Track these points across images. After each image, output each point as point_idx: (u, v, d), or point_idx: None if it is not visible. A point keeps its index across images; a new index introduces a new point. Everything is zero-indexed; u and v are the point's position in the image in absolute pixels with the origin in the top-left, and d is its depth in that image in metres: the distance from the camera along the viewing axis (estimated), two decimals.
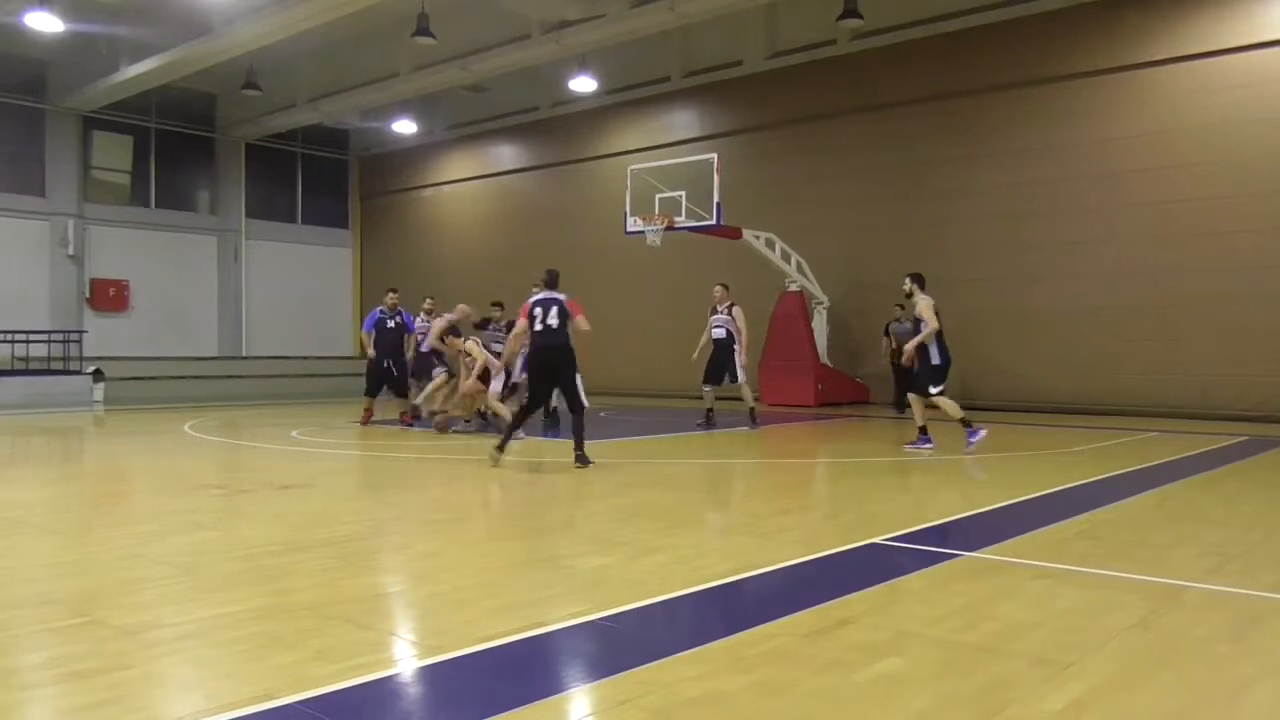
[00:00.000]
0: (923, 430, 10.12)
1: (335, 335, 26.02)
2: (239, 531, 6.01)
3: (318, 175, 27.02)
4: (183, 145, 24.26)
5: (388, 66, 20.59)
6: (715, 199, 15.47)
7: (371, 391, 13.58)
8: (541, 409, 11.69)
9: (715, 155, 15.96)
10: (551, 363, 8.73)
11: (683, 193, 15.85)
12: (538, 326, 8.71)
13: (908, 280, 10.10)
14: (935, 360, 9.84)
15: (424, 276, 24.77)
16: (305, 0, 16.10)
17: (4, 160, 21.73)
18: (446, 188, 25.89)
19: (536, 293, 9.06)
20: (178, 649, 3.58)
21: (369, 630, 3.82)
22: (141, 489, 8.29)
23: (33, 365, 19.71)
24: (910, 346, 10.00)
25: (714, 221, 15.60)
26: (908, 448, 10.09)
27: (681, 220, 15.78)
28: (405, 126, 24.66)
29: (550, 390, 8.87)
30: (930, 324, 9.72)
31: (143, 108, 22.59)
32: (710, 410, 13.18)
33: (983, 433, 9.88)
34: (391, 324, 13.56)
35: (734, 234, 16.39)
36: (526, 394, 9.29)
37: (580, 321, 8.74)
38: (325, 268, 26.86)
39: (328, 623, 3.85)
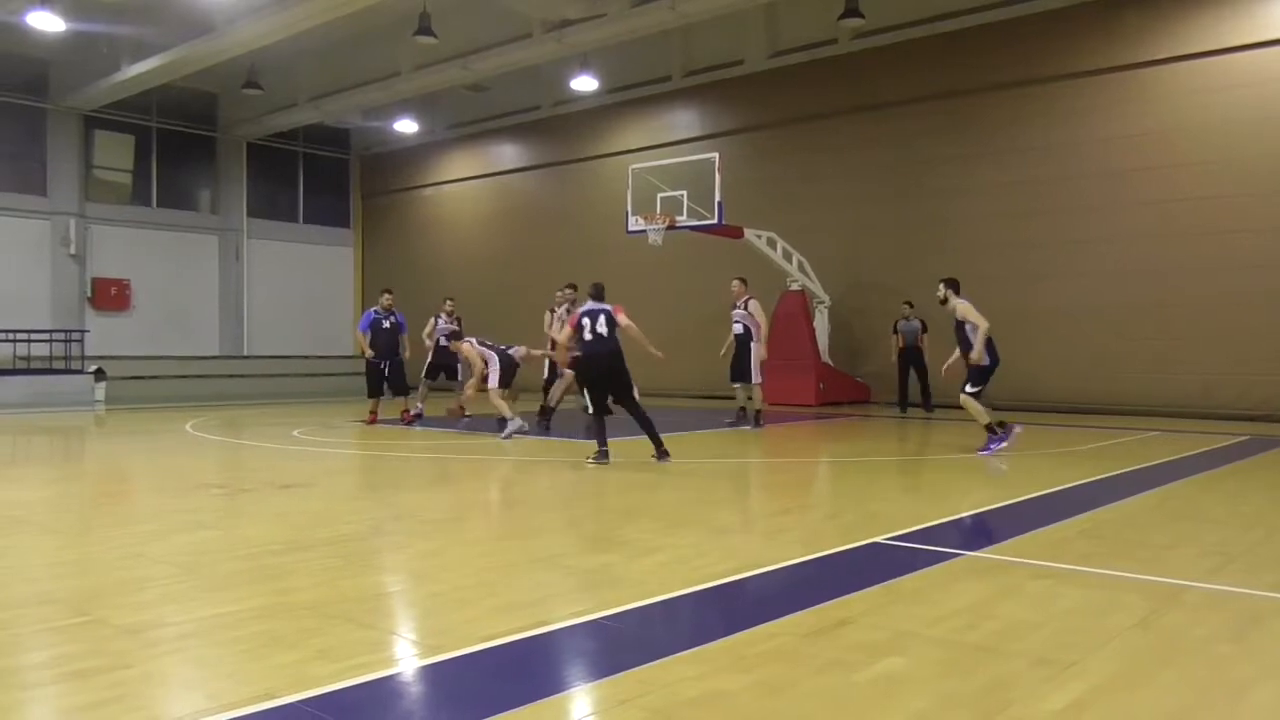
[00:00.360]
0: (991, 428, 9.81)
1: (336, 335, 26.01)
2: (240, 531, 6.02)
3: (319, 174, 27.02)
4: (184, 144, 24.27)
5: (389, 66, 20.59)
6: (716, 198, 15.47)
7: (374, 392, 13.63)
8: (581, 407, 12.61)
9: (716, 154, 15.95)
10: (604, 366, 9.22)
11: (684, 192, 15.85)
12: (587, 335, 9.20)
13: (941, 286, 9.84)
14: (984, 361, 9.60)
15: (425, 276, 24.78)
16: (306, 0, 16.10)
17: (6, 159, 21.74)
18: (447, 187, 25.89)
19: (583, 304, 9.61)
20: (179, 648, 3.59)
21: (370, 629, 3.83)
22: (143, 488, 8.29)
23: (34, 364, 19.72)
24: (975, 355, 9.57)
25: (715, 221, 15.60)
26: (980, 453, 9.61)
27: (683, 219, 15.78)
28: (406, 126, 24.65)
29: (607, 392, 9.31)
30: (982, 324, 9.49)
31: (144, 107, 22.60)
32: (743, 409, 13.16)
33: (1003, 445, 9.58)
34: (386, 324, 13.60)
35: (735, 233, 16.39)
36: (588, 399, 9.80)
37: (620, 318, 9.26)
38: (327, 267, 26.87)
39: (329, 622, 3.85)
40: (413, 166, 26.49)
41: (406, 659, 3.55)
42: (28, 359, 19.75)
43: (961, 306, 9.62)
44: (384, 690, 3.15)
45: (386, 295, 13.89)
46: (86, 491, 8.09)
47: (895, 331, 15.80)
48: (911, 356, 15.46)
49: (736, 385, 13.16)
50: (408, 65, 20.20)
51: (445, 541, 5.67)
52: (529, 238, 23.40)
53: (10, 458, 10.82)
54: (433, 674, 3.32)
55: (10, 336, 19.67)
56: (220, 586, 4.52)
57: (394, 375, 13.57)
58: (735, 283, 13.20)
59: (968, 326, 9.61)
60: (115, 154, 23.69)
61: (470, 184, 25.33)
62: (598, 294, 9.52)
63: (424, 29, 16.90)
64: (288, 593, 4.33)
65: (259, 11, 16.70)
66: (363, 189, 27.86)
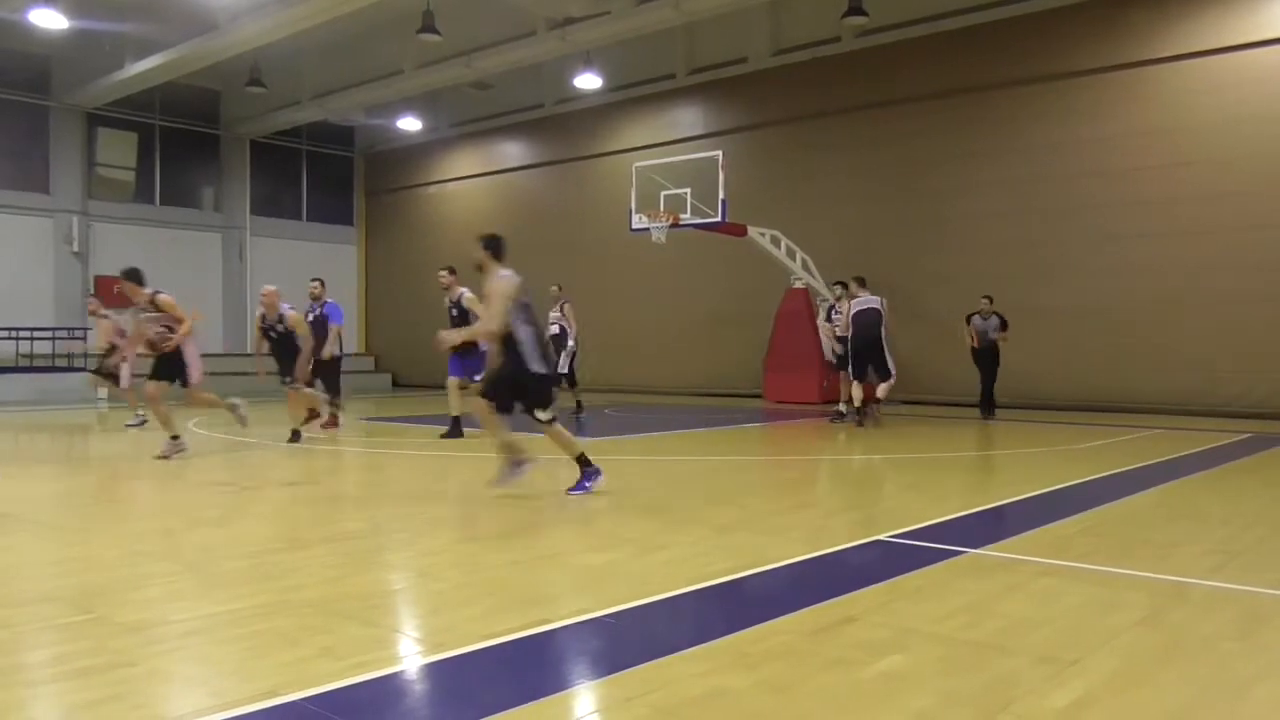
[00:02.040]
0: (583, 463, 6.97)
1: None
2: (243, 528, 6.03)
3: (322, 172, 27.03)
4: (187, 142, 24.28)
5: (393, 63, 20.60)
6: (720, 196, 15.47)
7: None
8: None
9: (720, 152, 15.96)
10: None
11: (688, 190, 15.85)
12: None
13: (479, 246, 6.83)
14: (535, 366, 6.66)
15: (429, 273, 24.75)
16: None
17: (8, 157, 21.75)
18: (451, 185, 25.90)
19: None
20: (182, 646, 3.59)
21: (374, 627, 3.83)
22: (146, 486, 8.29)
23: (37, 362, 19.75)
24: (457, 336, 7.67)
25: (719, 219, 15.60)
26: (571, 493, 6.91)
27: (687, 218, 15.78)
28: (410, 123, 24.66)
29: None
30: (491, 321, 6.66)
31: (147, 104, 22.62)
32: (860, 406, 12.87)
33: (599, 482, 6.99)
34: (310, 317, 12.35)
35: (739, 231, 16.38)
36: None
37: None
38: (330, 264, 26.82)
39: (333, 620, 3.86)
40: (416, 164, 26.50)
41: (410, 657, 3.55)
42: (30, 356, 19.78)
43: (493, 284, 6.69)
44: (388, 688, 3.15)
45: (313, 283, 12.81)
46: (89, 489, 8.10)
47: (969, 324, 14.35)
48: (985, 355, 14.16)
49: (877, 383, 12.75)
50: (411, 63, 20.21)
51: (447, 539, 5.67)
52: (533, 235, 23.30)
53: (13, 455, 10.84)
54: (436, 672, 3.32)
55: (13, 334, 19.70)
56: (223, 584, 4.53)
57: (316, 372, 11.93)
58: (852, 282, 13.14)
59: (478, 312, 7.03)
60: (118, 151, 23.72)
61: (474, 182, 25.34)
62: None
63: (428, 26, 16.91)
64: (290, 590, 4.33)
65: (262, 9, 16.71)
66: (366, 186, 27.87)
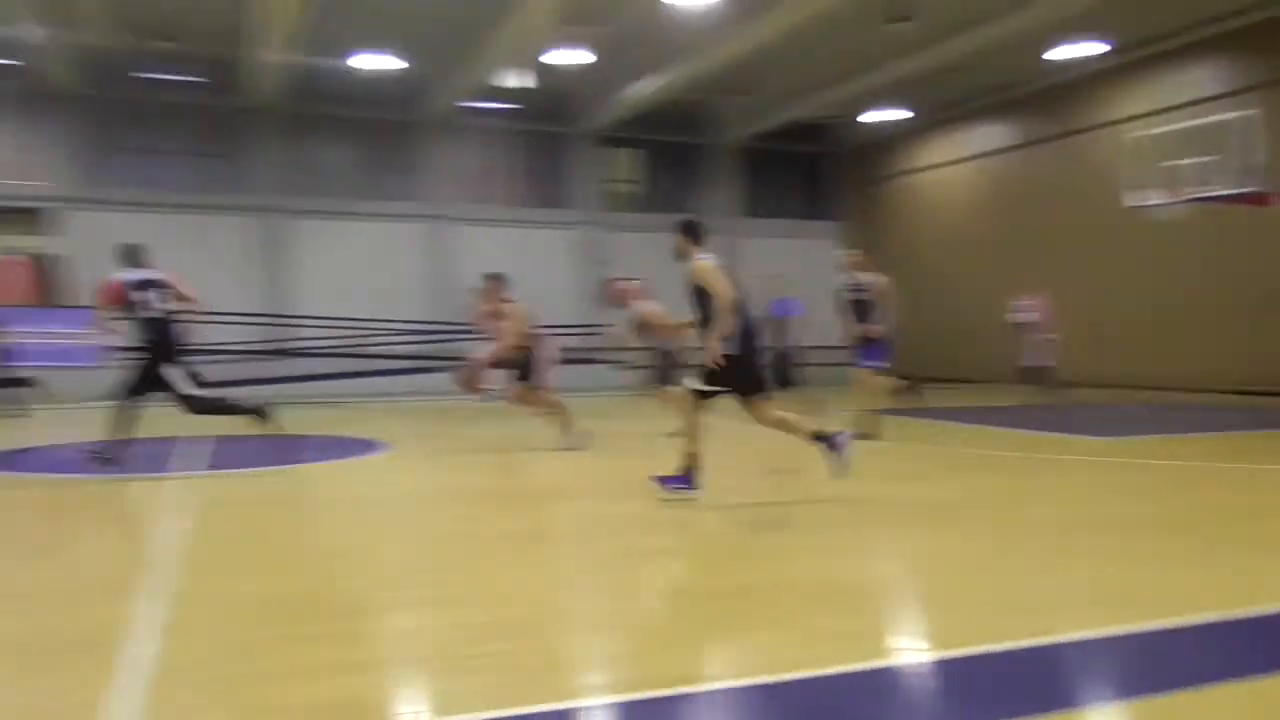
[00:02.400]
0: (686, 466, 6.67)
1: (825, 325, 26.71)
2: (736, 511, 6.52)
3: (803, 170, 28.13)
4: (680, 153, 26.66)
5: (864, 55, 20.64)
6: (1247, 162, 13.47)
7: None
8: None
9: (1244, 113, 13.87)
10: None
11: (1203, 158, 14.01)
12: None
13: (678, 234, 7.01)
14: (722, 352, 6.51)
15: (909, 263, 24.54)
16: (781, 4, 16.76)
17: (537, 179, 25.67)
18: (927, 173, 25.49)
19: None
20: (693, 615, 4.05)
21: (859, 618, 3.98)
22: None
23: (568, 355, 22.86)
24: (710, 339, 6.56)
25: (1246, 189, 13.59)
26: (666, 484, 6.70)
27: (1200, 189, 13.96)
28: (887, 114, 24.59)
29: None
30: (724, 295, 6.53)
31: (644, 122, 25.12)
32: None
33: (686, 488, 6.59)
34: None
35: (1266, 202, 14.11)
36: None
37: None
38: (814, 259, 27.61)
39: (812, 604, 4.12)
40: (892, 154, 26.48)
41: (897, 651, 3.65)
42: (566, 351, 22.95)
43: (700, 266, 6.73)
44: (863, 682, 3.21)
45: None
46: (614, 467, 9.14)
47: None
48: None
49: None
50: (883, 53, 20.11)
51: (943, 538, 5.62)
52: (1021, 219, 22.17)
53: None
54: (928, 671, 3.35)
55: (558, 331, 22.94)
56: (717, 563, 4.99)
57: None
58: None
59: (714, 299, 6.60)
60: (623, 167, 26.88)
61: (951, 168, 24.73)
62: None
63: (897, 16, 16.82)
64: (777, 571, 4.71)
65: (740, 22, 17.67)
66: (847, 181, 28.31)
